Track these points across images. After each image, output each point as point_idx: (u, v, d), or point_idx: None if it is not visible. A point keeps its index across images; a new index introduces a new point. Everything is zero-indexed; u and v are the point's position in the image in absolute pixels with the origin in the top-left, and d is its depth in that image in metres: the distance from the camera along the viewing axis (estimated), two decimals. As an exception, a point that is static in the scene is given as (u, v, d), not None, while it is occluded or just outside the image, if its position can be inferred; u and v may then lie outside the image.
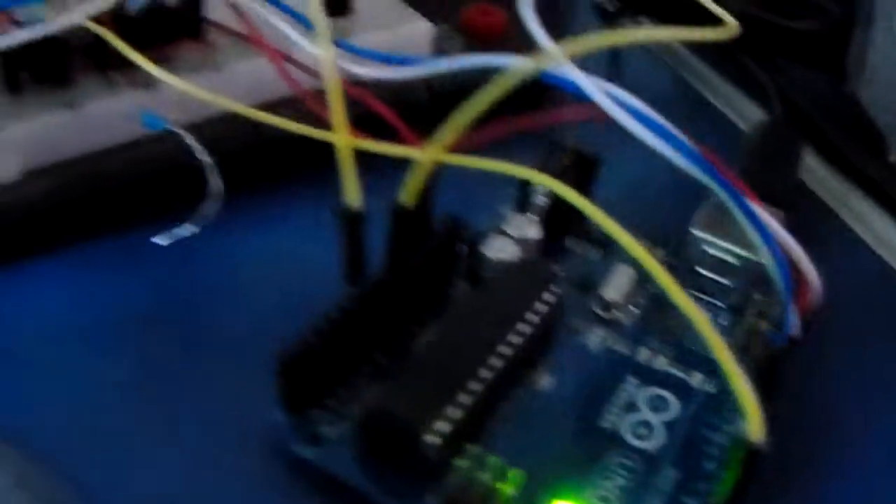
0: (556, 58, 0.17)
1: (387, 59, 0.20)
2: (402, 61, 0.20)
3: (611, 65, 0.25)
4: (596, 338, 0.20)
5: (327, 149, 0.18)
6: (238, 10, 0.21)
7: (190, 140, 0.20)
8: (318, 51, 0.19)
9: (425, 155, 0.17)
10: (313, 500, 0.17)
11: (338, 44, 0.20)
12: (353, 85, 0.19)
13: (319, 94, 0.19)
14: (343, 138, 0.18)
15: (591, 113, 0.17)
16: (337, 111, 0.18)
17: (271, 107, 0.21)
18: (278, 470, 0.18)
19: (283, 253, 0.21)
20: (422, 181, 0.18)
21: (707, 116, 0.28)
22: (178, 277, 0.20)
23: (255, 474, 0.18)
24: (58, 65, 0.22)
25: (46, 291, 0.20)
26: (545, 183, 0.17)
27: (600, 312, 0.20)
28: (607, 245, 0.21)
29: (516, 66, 0.17)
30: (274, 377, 0.17)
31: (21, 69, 0.22)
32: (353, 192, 0.17)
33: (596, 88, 0.17)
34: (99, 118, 0.21)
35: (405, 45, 0.23)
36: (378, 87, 0.20)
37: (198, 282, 0.20)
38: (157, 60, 0.20)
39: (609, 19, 0.28)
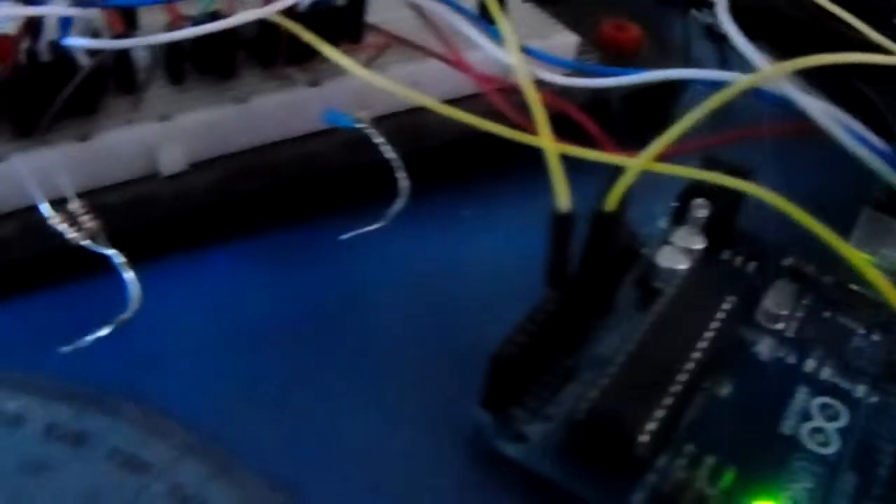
0: (773, 75, 0.17)
1: (578, 67, 0.20)
2: (598, 71, 0.20)
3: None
4: (765, 347, 0.20)
5: (512, 148, 0.19)
6: (419, 11, 0.21)
7: (376, 137, 0.20)
8: (511, 58, 0.19)
9: (635, 163, 0.18)
10: (515, 496, 0.18)
11: (526, 50, 0.20)
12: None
13: (503, 95, 0.19)
14: (551, 144, 0.18)
15: (794, 128, 0.18)
16: (541, 117, 0.18)
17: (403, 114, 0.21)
18: (480, 466, 0.18)
19: (467, 251, 0.21)
20: (626, 189, 0.18)
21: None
22: (360, 274, 0.20)
23: (456, 471, 0.18)
24: (226, 58, 0.22)
25: (222, 282, 0.20)
26: (764, 198, 0.17)
27: (766, 324, 0.21)
28: (762, 257, 0.22)
29: (734, 82, 0.17)
30: (485, 377, 0.17)
31: (186, 61, 0.22)
32: (563, 197, 0.18)
33: (816, 107, 0.17)
34: (266, 112, 0.21)
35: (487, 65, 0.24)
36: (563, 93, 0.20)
37: (380, 279, 0.21)
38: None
39: (720, 41, 0.29)
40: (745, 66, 0.18)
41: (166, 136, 0.21)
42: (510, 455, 0.18)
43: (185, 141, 0.21)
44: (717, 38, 0.29)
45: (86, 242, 0.19)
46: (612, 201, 0.18)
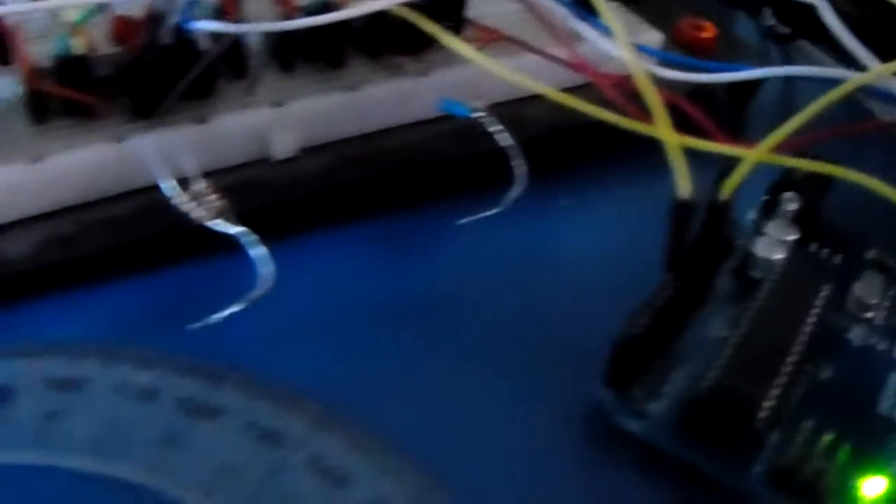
0: (885, 73, 0.18)
1: (683, 62, 0.21)
2: (708, 67, 0.21)
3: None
4: (857, 335, 0.21)
5: (614, 140, 0.19)
6: (526, 4, 0.22)
7: (492, 124, 0.21)
8: (624, 53, 0.20)
9: (753, 154, 0.19)
10: (635, 470, 0.18)
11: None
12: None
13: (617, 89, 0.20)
14: (672, 135, 0.19)
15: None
16: (660, 109, 0.19)
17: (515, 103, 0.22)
18: (600, 443, 0.19)
19: (576, 238, 0.22)
20: (742, 178, 0.19)
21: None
22: (475, 257, 0.21)
23: (577, 447, 0.19)
24: (336, 48, 0.22)
25: (341, 263, 0.21)
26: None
27: (857, 312, 0.21)
28: (848, 250, 0.23)
29: (850, 79, 0.18)
30: (609, 357, 0.18)
31: (297, 49, 0.22)
32: (684, 185, 0.19)
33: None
34: (376, 100, 0.22)
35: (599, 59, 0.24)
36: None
37: (494, 263, 0.21)
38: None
39: (780, 42, 0.30)
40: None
41: (279, 121, 0.21)
42: (632, 431, 0.18)
43: (297, 127, 0.22)
44: (780, 38, 0.30)
45: (214, 221, 0.19)
46: (728, 190, 0.19)
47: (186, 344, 0.19)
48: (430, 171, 0.22)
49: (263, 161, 0.22)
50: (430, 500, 0.17)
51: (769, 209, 0.23)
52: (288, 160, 0.22)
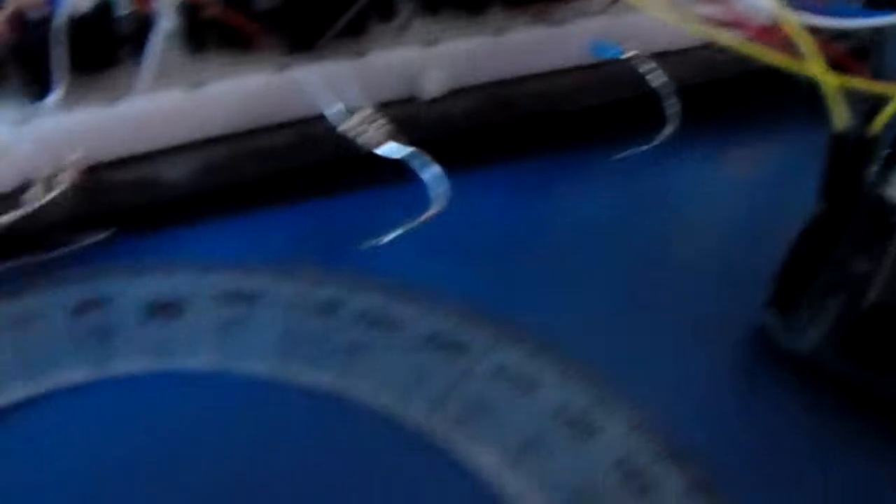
0: None
1: (830, 11, 0.22)
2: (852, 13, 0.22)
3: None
4: None
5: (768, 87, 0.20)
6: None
7: (644, 65, 0.21)
8: (773, 3, 0.21)
9: (904, 91, 0.19)
10: (797, 389, 0.19)
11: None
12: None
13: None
14: (826, 75, 0.20)
15: None
16: (813, 53, 0.20)
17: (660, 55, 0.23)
18: (766, 363, 0.19)
19: (736, 174, 0.23)
20: (891, 115, 0.20)
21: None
22: (635, 190, 0.22)
23: (745, 368, 0.19)
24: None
25: (500, 197, 0.21)
26: None
27: None
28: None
29: None
30: (774, 279, 0.19)
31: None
32: (841, 118, 0.19)
33: None
34: (522, 45, 0.23)
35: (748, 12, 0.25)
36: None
37: (652, 197, 0.22)
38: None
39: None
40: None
41: (431, 60, 0.22)
42: (795, 350, 0.19)
43: (447, 67, 0.22)
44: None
45: (384, 146, 0.20)
46: (878, 124, 0.20)
47: (357, 264, 0.19)
48: (579, 114, 0.23)
49: (412, 100, 0.22)
50: (611, 407, 0.17)
51: (891, 161, 0.24)
52: (437, 100, 0.22)
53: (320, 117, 0.20)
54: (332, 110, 0.20)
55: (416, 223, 0.19)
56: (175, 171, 0.20)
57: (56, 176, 0.19)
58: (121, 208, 0.19)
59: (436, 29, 0.22)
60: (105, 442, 0.16)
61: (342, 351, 0.18)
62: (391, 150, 0.20)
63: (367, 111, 0.20)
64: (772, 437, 0.17)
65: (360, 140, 0.20)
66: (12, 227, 0.18)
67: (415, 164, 0.20)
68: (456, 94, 0.22)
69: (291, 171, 0.21)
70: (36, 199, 0.18)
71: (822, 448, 0.17)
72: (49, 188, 0.19)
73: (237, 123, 0.20)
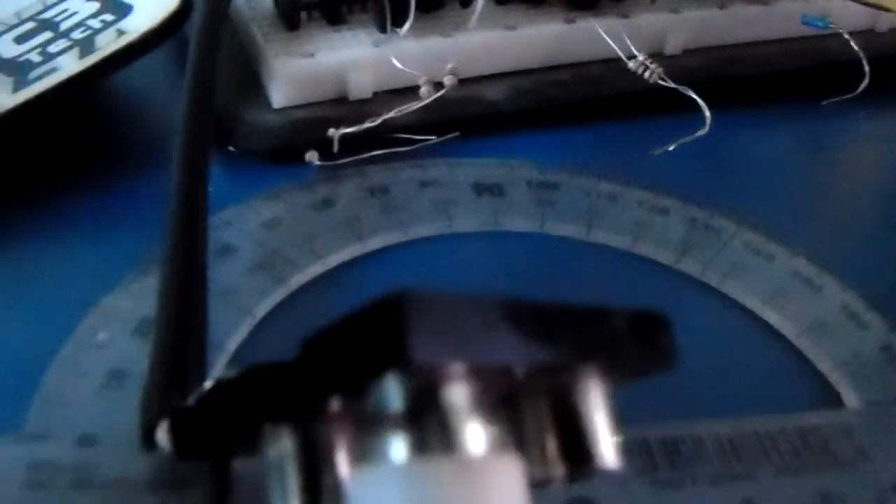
0: None
1: None
2: None
3: None
4: None
5: None
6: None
7: (846, 33, 0.27)
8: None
9: None
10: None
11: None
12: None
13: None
14: None
15: None
16: None
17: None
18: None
19: None
20: None
21: None
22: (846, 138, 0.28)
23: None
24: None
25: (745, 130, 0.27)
26: None
27: None
28: None
29: None
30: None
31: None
32: None
33: None
34: (745, 17, 0.29)
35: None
36: None
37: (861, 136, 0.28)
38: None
39: None
40: None
41: (673, 24, 0.28)
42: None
43: (684, 31, 0.28)
44: None
45: (662, 81, 0.26)
46: None
47: (633, 170, 0.25)
48: (789, 74, 0.29)
49: (659, 54, 0.28)
50: (829, 274, 0.23)
51: None
52: (675, 56, 0.28)
53: (600, 61, 0.27)
54: (613, 54, 0.26)
55: (687, 140, 0.25)
56: (494, 92, 0.26)
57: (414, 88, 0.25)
58: (457, 117, 0.26)
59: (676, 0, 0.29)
60: (448, 279, 0.22)
61: (630, 223, 0.24)
62: (669, 84, 0.26)
63: (642, 56, 0.26)
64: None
65: (646, 76, 0.26)
66: (379, 127, 0.25)
67: (688, 94, 0.25)
68: (690, 52, 0.28)
69: (584, 99, 0.27)
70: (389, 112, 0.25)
71: None
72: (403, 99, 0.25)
73: (540, 60, 0.27)
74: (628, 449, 0.18)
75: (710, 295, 0.22)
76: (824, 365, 0.21)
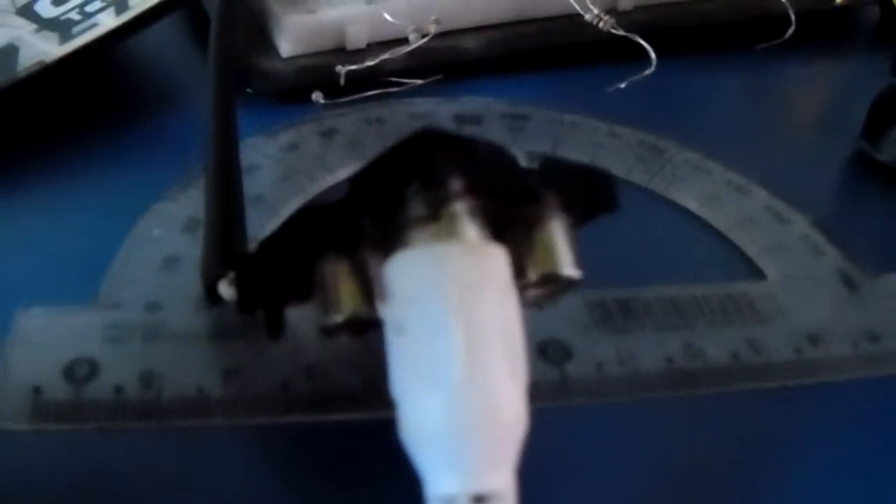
0: None
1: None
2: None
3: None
4: None
5: None
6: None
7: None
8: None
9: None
10: (888, 186, 0.29)
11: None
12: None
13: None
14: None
15: None
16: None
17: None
18: (861, 170, 0.29)
19: None
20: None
21: None
22: (769, 76, 0.32)
23: (848, 174, 0.29)
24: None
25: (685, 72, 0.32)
26: None
27: None
28: None
29: None
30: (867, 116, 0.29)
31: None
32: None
33: None
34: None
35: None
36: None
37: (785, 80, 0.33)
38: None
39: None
40: None
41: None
42: (883, 160, 0.29)
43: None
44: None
45: (614, 30, 0.30)
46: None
47: (592, 105, 0.30)
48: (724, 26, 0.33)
49: (612, 10, 0.33)
50: (757, 183, 0.27)
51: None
52: (627, 11, 0.33)
53: (562, 16, 0.31)
54: (573, 10, 0.31)
55: (635, 78, 0.30)
56: (471, 43, 0.31)
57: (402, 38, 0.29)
58: (439, 63, 0.30)
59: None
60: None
61: (589, 145, 0.28)
62: (619, 32, 0.30)
63: (597, 10, 0.31)
64: (863, 203, 0.28)
65: (601, 27, 0.31)
66: (373, 70, 0.29)
67: (637, 42, 0.30)
68: (640, 9, 0.33)
69: (548, 47, 0.32)
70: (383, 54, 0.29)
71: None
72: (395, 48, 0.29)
73: (511, 15, 0.31)
74: (590, 306, 0.22)
75: (657, 199, 0.27)
76: (751, 250, 0.25)
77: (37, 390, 0.19)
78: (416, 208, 0.15)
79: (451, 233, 0.15)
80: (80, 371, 0.20)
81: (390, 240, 0.16)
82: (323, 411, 0.19)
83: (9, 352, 0.20)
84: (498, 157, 0.16)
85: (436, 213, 0.15)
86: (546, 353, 0.21)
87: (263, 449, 0.19)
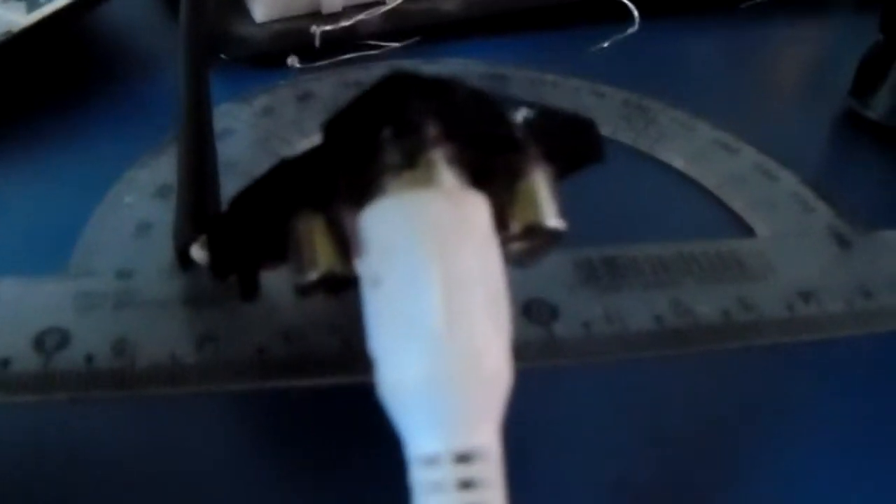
0: None
1: None
2: None
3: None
4: None
5: None
6: None
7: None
8: None
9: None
10: (874, 142, 0.28)
11: None
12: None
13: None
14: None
15: None
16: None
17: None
18: (850, 127, 0.29)
19: None
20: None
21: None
22: (746, 40, 0.32)
23: (838, 131, 0.29)
24: None
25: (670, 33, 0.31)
26: None
27: None
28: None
29: None
30: (854, 76, 0.28)
31: None
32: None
33: None
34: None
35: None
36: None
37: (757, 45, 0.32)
38: None
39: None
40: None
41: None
42: (871, 117, 0.28)
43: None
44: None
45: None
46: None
47: (574, 65, 0.29)
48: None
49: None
50: (746, 142, 0.27)
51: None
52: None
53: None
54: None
55: (618, 38, 0.29)
56: (448, 5, 0.30)
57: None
58: (417, 25, 0.29)
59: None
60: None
61: (571, 104, 0.28)
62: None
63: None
64: (853, 160, 0.27)
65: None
66: (349, 32, 0.28)
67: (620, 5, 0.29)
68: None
69: (528, 8, 0.31)
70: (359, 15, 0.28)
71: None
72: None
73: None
74: (576, 264, 0.22)
75: (643, 158, 0.26)
76: (739, 206, 0.25)
77: (5, 362, 0.19)
78: (391, 156, 0.15)
79: (428, 180, 0.14)
80: (50, 341, 0.19)
81: (365, 191, 0.15)
82: (301, 376, 0.19)
83: (-24, 324, 0.20)
84: (479, 103, 0.15)
85: (412, 160, 0.14)
86: (531, 312, 0.20)
87: (240, 416, 0.19)
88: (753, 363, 0.21)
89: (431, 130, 0.14)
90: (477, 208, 0.15)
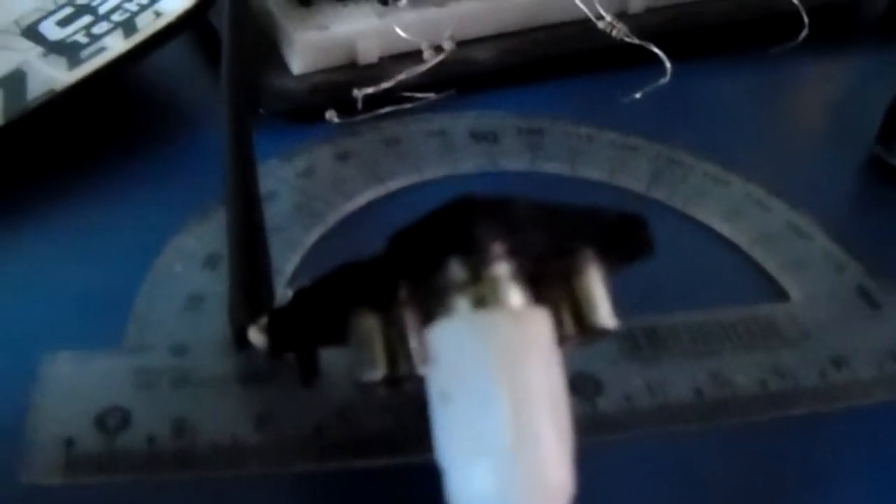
0: None
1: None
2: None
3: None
4: None
5: None
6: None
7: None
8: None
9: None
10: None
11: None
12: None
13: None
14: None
15: None
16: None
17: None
18: (877, 174, 0.29)
19: None
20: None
21: None
22: (786, 79, 0.32)
23: (864, 177, 0.29)
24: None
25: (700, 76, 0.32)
26: None
27: None
28: None
29: None
30: (881, 123, 0.29)
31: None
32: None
33: None
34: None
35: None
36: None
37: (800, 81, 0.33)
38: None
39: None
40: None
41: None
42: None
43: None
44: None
45: (627, 38, 0.30)
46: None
47: (608, 115, 0.30)
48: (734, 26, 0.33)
49: (623, 13, 0.32)
50: (776, 195, 0.27)
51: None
52: (638, 14, 0.32)
53: (573, 22, 0.31)
54: (584, 16, 0.30)
55: (651, 88, 0.30)
56: (482, 53, 0.30)
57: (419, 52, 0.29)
58: (451, 77, 0.30)
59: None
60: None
61: (606, 160, 0.28)
62: (633, 40, 0.30)
63: (609, 17, 0.30)
64: (880, 212, 0.28)
65: (614, 34, 0.30)
66: (393, 87, 0.29)
67: (652, 50, 0.30)
68: (651, 11, 0.33)
69: (561, 55, 0.31)
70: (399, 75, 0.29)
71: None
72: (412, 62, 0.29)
73: (521, 23, 0.31)
74: (617, 336, 0.22)
75: (677, 216, 0.27)
76: (772, 267, 0.25)
77: (69, 442, 0.19)
78: (457, 272, 0.15)
79: (493, 297, 0.15)
80: (112, 420, 0.20)
81: (429, 300, 0.16)
82: (357, 456, 0.19)
83: (38, 401, 0.20)
84: (537, 215, 0.16)
85: (476, 276, 0.15)
86: (577, 388, 0.21)
87: (300, 497, 0.19)
88: (790, 432, 0.21)
89: (495, 248, 0.15)
90: (540, 325, 0.15)
